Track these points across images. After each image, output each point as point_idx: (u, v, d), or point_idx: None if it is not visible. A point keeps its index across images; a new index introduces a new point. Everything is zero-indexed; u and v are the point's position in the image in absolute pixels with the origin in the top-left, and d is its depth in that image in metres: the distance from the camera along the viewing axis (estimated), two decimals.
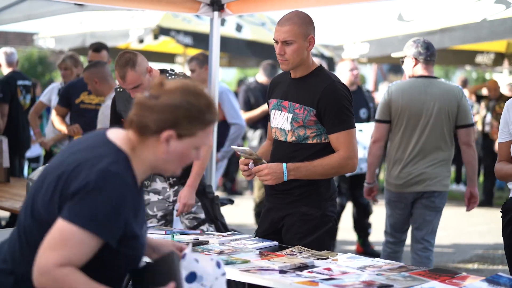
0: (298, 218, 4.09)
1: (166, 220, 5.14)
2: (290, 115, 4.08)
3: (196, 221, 5.12)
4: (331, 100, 3.97)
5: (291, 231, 4.10)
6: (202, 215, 5.13)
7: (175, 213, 5.13)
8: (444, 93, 5.65)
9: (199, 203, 5.11)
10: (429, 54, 5.67)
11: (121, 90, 5.09)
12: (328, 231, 4.13)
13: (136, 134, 2.52)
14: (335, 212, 4.20)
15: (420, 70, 5.72)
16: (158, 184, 5.09)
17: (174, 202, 5.08)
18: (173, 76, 5.00)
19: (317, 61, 7.65)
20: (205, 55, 7.36)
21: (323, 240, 4.08)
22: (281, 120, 4.14)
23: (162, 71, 5.04)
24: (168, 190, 5.09)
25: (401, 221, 5.86)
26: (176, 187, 5.10)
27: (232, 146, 4.18)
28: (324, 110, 3.98)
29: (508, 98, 11.72)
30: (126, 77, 4.76)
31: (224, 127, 7.68)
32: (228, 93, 7.77)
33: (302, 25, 4.01)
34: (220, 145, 7.57)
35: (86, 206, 2.39)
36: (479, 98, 13.25)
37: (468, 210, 5.91)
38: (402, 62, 5.85)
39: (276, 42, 4.05)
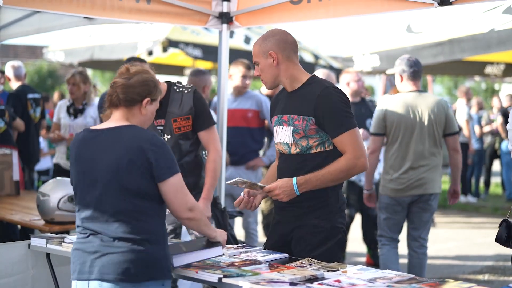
0: (308, 231, 4.07)
1: (176, 233, 5.11)
2: (291, 128, 4.08)
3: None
4: (327, 105, 3.98)
5: (301, 243, 4.09)
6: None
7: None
8: (433, 105, 6.22)
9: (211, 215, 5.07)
10: (412, 71, 6.26)
11: None
12: (338, 242, 4.11)
13: (124, 108, 3.52)
14: (344, 224, 4.19)
15: (406, 85, 6.32)
16: None
17: None
18: (180, 89, 5.00)
19: (321, 72, 7.71)
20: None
21: (333, 252, 4.07)
22: (283, 135, 4.15)
23: (170, 84, 5.05)
24: None
25: (399, 223, 6.43)
26: None
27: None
28: (322, 116, 3.99)
29: None
30: None
31: (260, 134, 7.67)
32: (267, 101, 7.86)
33: (262, 43, 4.12)
34: (255, 152, 7.60)
35: (168, 158, 3.44)
36: None
37: (451, 203, 6.54)
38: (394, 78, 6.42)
39: None
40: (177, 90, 5.02)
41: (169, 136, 4.98)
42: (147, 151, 3.37)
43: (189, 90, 5.03)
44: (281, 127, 4.16)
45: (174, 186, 3.43)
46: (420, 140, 6.21)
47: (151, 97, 3.56)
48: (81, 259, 3.44)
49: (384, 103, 6.42)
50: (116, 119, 3.53)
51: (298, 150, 4.08)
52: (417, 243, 6.34)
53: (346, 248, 8.19)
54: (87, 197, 3.47)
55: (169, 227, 5.03)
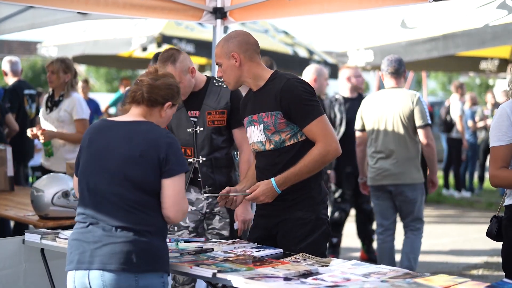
0: (293, 224, 4.10)
1: (197, 232, 4.97)
2: (261, 126, 4.12)
3: (219, 237, 4.92)
4: (291, 97, 4.01)
5: (287, 236, 4.12)
6: (226, 232, 4.93)
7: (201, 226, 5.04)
8: (400, 101, 6.58)
9: (227, 220, 4.93)
10: (387, 69, 6.66)
11: None
12: (323, 233, 4.15)
13: (145, 107, 3.60)
14: (328, 215, 4.23)
15: (386, 82, 6.77)
16: (192, 195, 4.90)
17: (206, 214, 4.94)
18: (219, 83, 4.91)
19: (313, 68, 7.68)
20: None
21: (320, 243, 4.12)
22: (256, 134, 4.17)
23: (209, 78, 4.97)
24: (202, 201, 4.92)
25: (386, 208, 6.82)
26: (210, 200, 4.89)
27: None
28: (289, 108, 4.02)
29: None
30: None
31: None
32: None
33: (224, 45, 4.15)
34: None
35: (179, 156, 3.51)
36: None
37: (429, 193, 7.04)
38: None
39: None
40: (216, 84, 4.92)
41: (201, 129, 4.84)
42: (160, 146, 3.46)
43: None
44: (253, 127, 4.19)
45: (178, 184, 3.49)
46: (387, 133, 6.65)
47: (173, 101, 3.67)
48: (80, 249, 3.44)
49: (364, 100, 6.99)
50: (134, 114, 3.61)
51: (272, 146, 4.11)
52: (407, 228, 6.77)
53: (341, 243, 8.20)
54: (93, 184, 3.50)
55: (191, 225, 4.93)
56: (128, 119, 3.60)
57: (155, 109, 3.62)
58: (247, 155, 4.87)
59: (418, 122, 6.52)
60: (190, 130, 4.86)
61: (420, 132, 6.54)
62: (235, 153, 5.10)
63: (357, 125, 6.95)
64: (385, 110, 6.64)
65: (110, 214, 3.44)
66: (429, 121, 6.58)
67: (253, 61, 4.16)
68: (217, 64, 4.20)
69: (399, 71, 6.65)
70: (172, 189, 3.46)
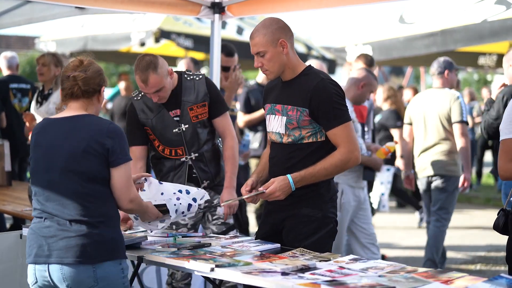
0: (299, 220, 4.08)
1: (195, 229, 5.01)
2: (284, 118, 4.07)
3: (225, 227, 4.98)
4: (322, 98, 3.96)
5: (292, 233, 4.09)
6: (231, 220, 4.99)
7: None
8: (442, 100, 7.06)
9: None
10: (433, 71, 7.21)
11: (137, 98, 4.93)
12: (329, 232, 4.12)
13: (84, 99, 3.65)
14: (336, 213, 4.19)
15: (433, 82, 7.32)
16: None
17: (205, 208, 4.95)
18: (191, 76, 4.91)
19: (312, 63, 7.66)
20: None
21: (325, 241, 4.08)
22: (276, 124, 4.13)
23: (180, 73, 4.94)
24: None
25: (427, 200, 7.30)
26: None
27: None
28: (317, 109, 3.97)
29: None
30: (148, 81, 4.62)
31: None
32: None
33: (268, 33, 4.02)
34: None
35: (124, 146, 3.58)
36: None
37: (462, 192, 7.21)
38: None
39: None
40: (188, 78, 4.91)
41: (186, 126, 4.84)
42: (105, 138, 3.54)
43: (200, 77, 4.93)
44: (274, 116, 4.14)
45: (125, 173, 3.60)
46: (427, 129, 7.15)
47: (105, 84, 3.76)
48: (38, 243, 3.54)
49: (413, 98, 7.66)
50: (74, 109, 3.67)
51: (290, 140, 4.07)
52: (433, 217, 7.16)
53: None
54: (44, 181, 3.59)
55: (190, 222, 4.94)
56: (69, 115, 3.65)
57: (93, 97, 3.69)
58: (230, 141, 4.93)
59: (454, 118, 6.99)
60: (176, 130, 4.85)
61: (455, 127, 6.99)
62: (218, 140, 5.09)
63: (406, 120, 7.52)
64: (428, 108, 7.14)
65: (63, 209, 3.52)
66: (465, 119, 7.02)
67: (292, 49, 4.09)
68: (257, 54, 4.04)
69: (438, 70, 7.14)
70: (120, 178, 3.58)
